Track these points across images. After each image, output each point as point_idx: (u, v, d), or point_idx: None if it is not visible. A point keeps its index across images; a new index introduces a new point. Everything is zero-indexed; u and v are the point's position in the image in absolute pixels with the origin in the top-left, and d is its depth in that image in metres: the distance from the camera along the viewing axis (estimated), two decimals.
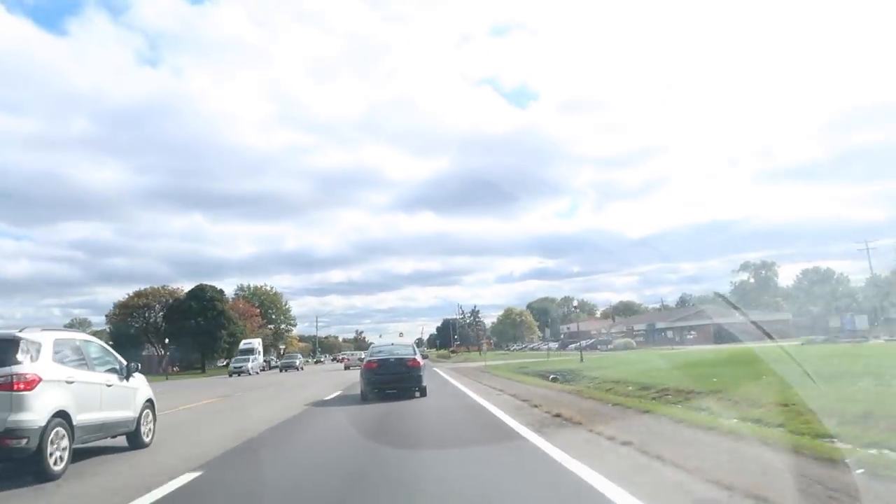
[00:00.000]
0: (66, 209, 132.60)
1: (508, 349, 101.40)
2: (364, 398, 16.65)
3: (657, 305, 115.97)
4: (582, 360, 34.28)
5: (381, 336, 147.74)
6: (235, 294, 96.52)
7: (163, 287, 76.90)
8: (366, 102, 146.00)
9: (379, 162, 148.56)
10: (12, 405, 6.99)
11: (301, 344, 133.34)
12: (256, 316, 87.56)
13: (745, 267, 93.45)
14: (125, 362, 9.68)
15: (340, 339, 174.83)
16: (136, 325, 76.08)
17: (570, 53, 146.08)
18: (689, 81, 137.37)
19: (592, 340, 68.89)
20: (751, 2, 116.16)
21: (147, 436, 9.86)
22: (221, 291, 71.09)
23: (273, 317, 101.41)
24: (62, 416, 7.55)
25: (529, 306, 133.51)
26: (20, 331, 7.67)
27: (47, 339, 7.87)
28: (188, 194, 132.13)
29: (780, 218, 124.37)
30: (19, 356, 7.29)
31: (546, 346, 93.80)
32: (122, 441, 9.49)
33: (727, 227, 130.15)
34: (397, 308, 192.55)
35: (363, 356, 27.02)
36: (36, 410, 7.15)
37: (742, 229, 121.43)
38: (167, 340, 67.22)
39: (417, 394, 16.90)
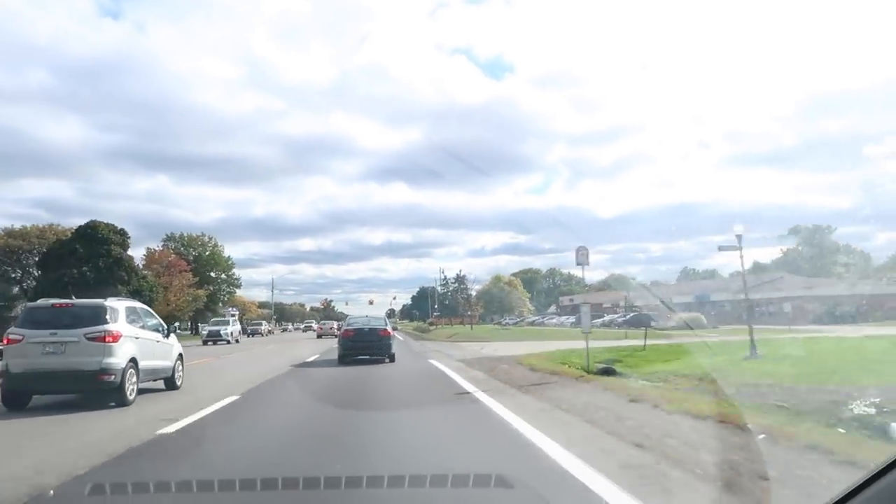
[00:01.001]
0: (24, 166, 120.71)
1: (501, 324, 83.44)
2: (341, 361, 18.57)
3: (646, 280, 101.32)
4: (755, 348, 16.12)
5: (347, 304, 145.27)
6: (164, 244, 76.87)
7: (50, 226, 57.13)
8: (336, 68, 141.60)
9: (350, 130, 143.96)
10: (104, 352, 9.98)
11: (261, 310, 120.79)
12: (186, 272, 67.97)
13: (794, 232, 76.26)
14: (166, 325, 12.84)
15: (308, 307, 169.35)
16: (13, 276, 56.53)
17: (547, 26, 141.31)
18: (664, 62, 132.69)
19: (630, 314, 51.14)
20: None
21: (179, 381, 12.85)
22: (122, 232, 51.27)
23: (212, 276, 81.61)
24: (133, 361, 10.51)
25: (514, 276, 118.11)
26: (105, 300, 10.75)
27: (122, 306, 11.02)
28: (152, 155, 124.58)
29: (749, 202, 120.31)
30: (107, 318, 10.31)
31: (555, 320, 76.19)
32: (160, 385, 12.38)
33: (696, 209, 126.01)
34: (368, 279, 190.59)
35: (336, 325, 39.82)
36: (119, 356, 10.15)
37: (711, 212, 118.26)
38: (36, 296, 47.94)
39: (387, 360, 18.67)
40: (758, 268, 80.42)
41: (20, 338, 10.02)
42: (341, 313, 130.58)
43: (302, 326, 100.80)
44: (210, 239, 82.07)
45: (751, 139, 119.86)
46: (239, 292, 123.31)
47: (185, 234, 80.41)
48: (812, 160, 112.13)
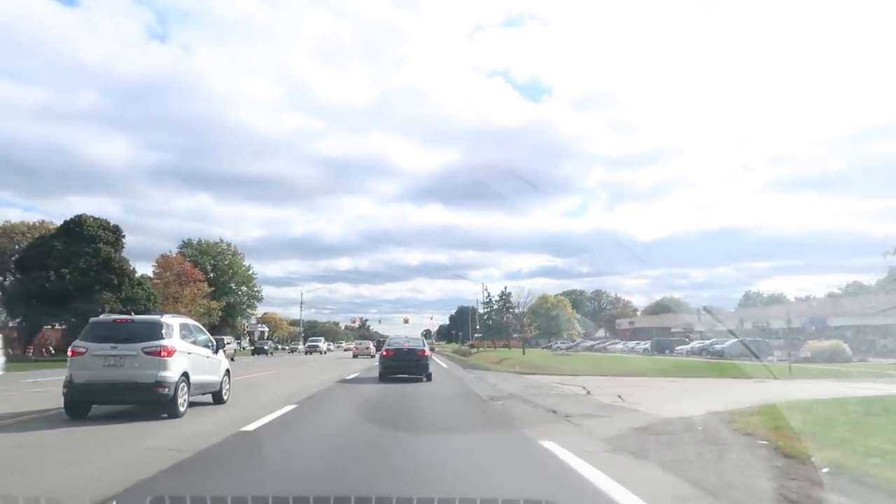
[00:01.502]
0: (73, 182, 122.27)
1: (552, 348, 73.60)
2: (381, 378, 19.51)
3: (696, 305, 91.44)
4: None
5: (380, 322, 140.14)
6: (180, 250, 69.31)
7: (41, 223, 49.84)
8: (375, 90, 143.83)
9: (388, 150, 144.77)
10: (159, 365, 10.28)
11: (292, 328, 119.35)
12: (201, 282, 60.13)
13: None
14: (214, 341, 13.11)
15: (343, 326, 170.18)
16: None
17: (585, 48, 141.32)
18: (705, 83, 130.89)
19: (728, 341, 41.03)
20: (773, 8, 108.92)
21: (225, 395, 13.08)
22: (115, 229, 43.42)
23: (232, 287, 73.73)
24: (185, 375, 10.78)
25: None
26: (161, 316, 11.34)
27: (176, 322, 11.40)
28: (195, 174, 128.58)
29: (794, 228, 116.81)
30: (163, 333, 10.66)
31: (620, 345, 66.01)
32: (208, 398, 12.54)
33: (739, 234, 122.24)
34: (405, 299, 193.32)
35: (372, 346, 45.22)
36: (173, 370, 10.43)
37: (754, 238, 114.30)
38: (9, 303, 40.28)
39: (424, 378, 19.32)
40: (857, 289, 69.44)
41: (84, 350, 10.48)
42: (375, 332, 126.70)
43: (304, 347, 74.37)
44: (229, 246, 74.25)
45: (796, 163, 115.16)
46: (276, 310, 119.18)
47: (203, 241, 72.79)
48: (862, 185, 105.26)
